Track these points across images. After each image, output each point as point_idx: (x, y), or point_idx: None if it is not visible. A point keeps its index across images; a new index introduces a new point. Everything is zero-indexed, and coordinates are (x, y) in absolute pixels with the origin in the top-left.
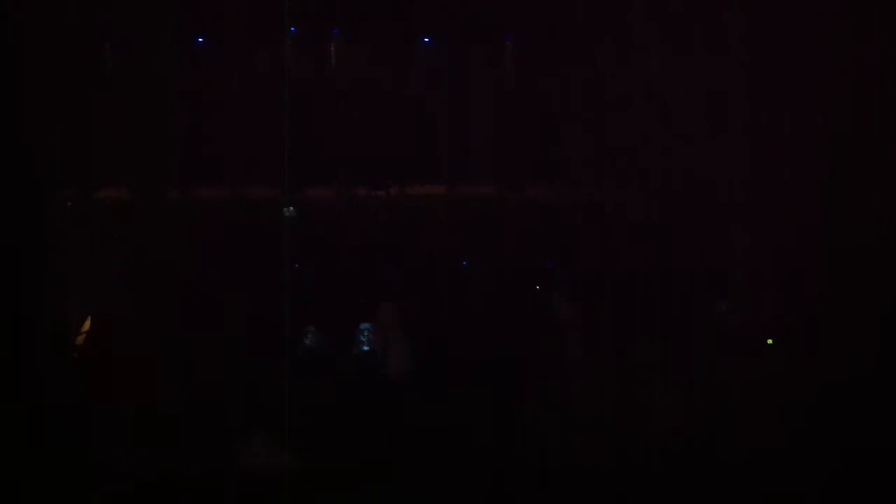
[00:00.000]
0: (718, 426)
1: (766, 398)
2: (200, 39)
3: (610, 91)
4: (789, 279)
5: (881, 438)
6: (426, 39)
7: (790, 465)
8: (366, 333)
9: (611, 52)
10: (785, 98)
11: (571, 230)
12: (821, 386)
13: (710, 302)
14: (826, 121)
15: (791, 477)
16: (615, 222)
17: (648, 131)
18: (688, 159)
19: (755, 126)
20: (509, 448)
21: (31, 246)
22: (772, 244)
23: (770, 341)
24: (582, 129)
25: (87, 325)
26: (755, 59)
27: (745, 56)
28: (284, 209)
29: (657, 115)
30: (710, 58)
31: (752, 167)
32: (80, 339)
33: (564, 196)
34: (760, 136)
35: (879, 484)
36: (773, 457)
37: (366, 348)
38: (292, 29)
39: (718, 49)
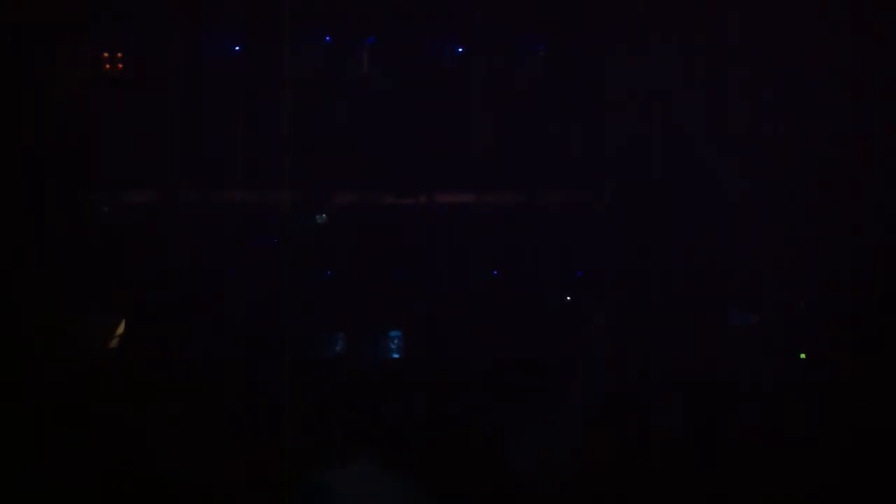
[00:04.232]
0: (725, 426)
1: (774, 400)
2: (237, 48)
3: (629, 96)
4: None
5: (883, 438)
6: (459, 49)
7: (792, 466)
8: (395, 341)
9: (625, 57)
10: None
11: (595, 237)
12: (825, 387)
13: (724, 307)
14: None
15: (795, 477)
16: (635, 227)
17: (662, 136)
18: (704, 164)
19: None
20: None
21: (54, 249)
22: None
23: (803, 356)
24: (606, 134)
25: (120, 329)
26: (756, 62)
27: (748, 60)
28: (317, 216)
29: (676, 123)
30: (713, 62)
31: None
32: (114, 342)
33: (587, 202)
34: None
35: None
36: (778, 457)
37: (395, 356)
38: (327, 38)
39: (722, 52)
